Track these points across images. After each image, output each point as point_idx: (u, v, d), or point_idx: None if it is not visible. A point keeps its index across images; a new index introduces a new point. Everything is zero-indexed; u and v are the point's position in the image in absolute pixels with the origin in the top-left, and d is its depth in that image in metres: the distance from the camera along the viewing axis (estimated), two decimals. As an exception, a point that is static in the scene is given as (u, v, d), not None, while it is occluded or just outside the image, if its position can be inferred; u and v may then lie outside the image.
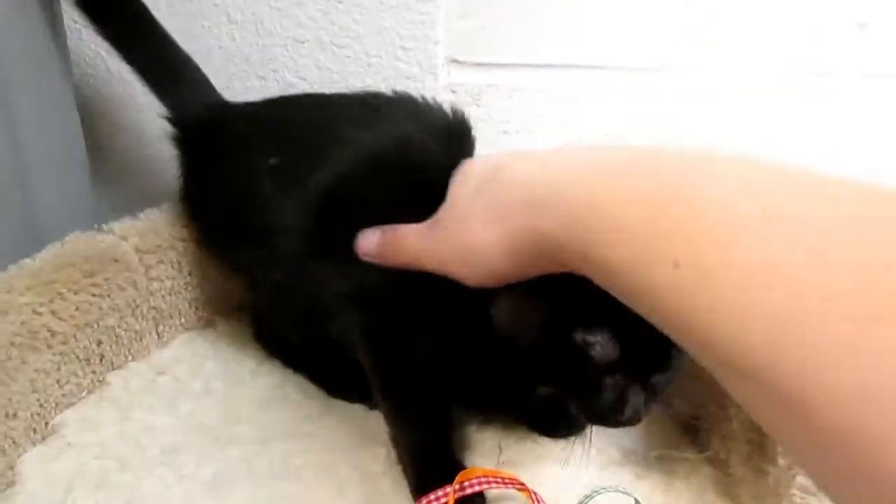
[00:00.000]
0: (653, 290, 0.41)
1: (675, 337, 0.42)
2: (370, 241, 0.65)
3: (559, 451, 0.75)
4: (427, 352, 0.69)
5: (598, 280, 0.47)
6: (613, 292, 0.46)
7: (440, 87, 0.93)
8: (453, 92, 0.94)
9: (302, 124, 0.79)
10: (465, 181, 0.59)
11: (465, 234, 0.55)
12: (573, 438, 0.76)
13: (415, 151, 0.73)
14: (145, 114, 1.00)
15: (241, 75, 0.95)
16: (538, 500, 0.60)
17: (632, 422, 0.62)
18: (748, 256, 0.37)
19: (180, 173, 0.87)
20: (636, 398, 0.61)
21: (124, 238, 0.84)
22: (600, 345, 0.59)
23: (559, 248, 0.48)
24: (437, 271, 0.59)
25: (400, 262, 0.63)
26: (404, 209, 0.66)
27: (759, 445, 0.64)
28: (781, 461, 0.58)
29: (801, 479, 0.54)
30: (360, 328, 0.72)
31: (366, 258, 0.66)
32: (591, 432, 0.72)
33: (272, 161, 0.77)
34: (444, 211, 0.59)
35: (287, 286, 0.77)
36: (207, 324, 0.94)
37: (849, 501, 0.34)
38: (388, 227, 0.65)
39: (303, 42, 0.93)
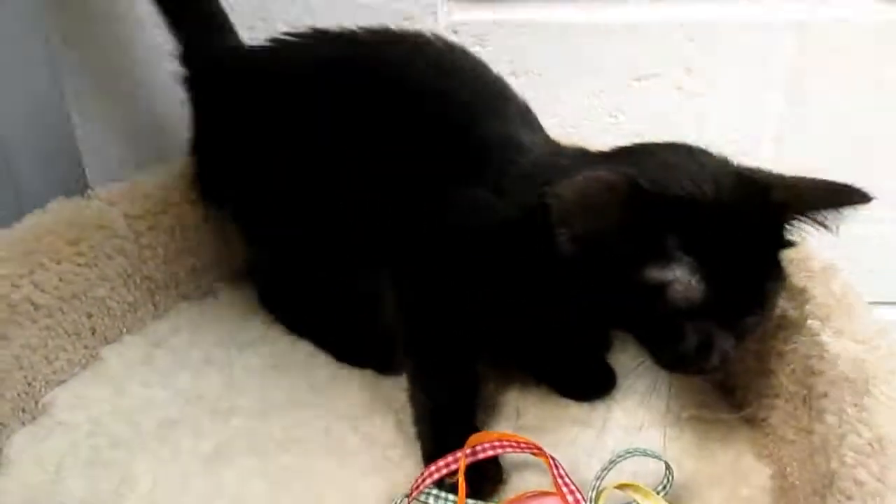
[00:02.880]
0: None
1: None
2: None
3: (583, 413, 0.70)
4: (482, 301, 0.62)
5: None
6: None
7: (441, 28, 0.86)
8: (455, 32, 0.87)
9: (316, 78, 0.72)
10: None
11: None
12: (598, 400, 0.71)
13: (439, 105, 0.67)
14: (133, 76, 0.95)
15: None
16: (556, 466, 0.55)
17: (719, 369, 0.54)
18: None
19: (192, 121, 0.80)
20: (724, 342, 0.53)
21: (112, 204, 0.79)
22: (680, 284, 0.50)
23: None
24: None
25: None
26: (448, 172, 0.63)
27: (804, 401, 0.58)
28: (830, 418, 0.52)
29: (854, 439, 0.48)
30: (399, 277, 0.66)
31: None
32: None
33: (288, 120, 0.71)
34: None
35: (308, 248, 0.73)
36: (207, 292, 0.89)
37: None
38: None
39: (293, -13, 0.87)
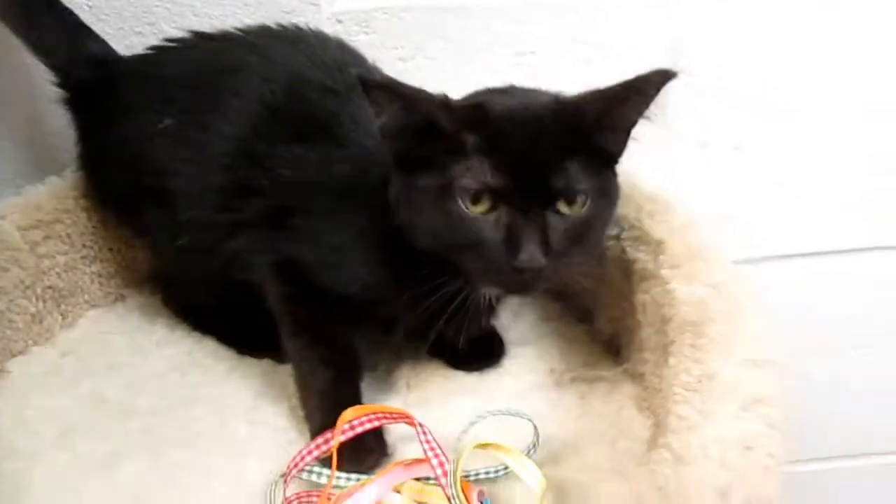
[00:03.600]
0: None
1: None
2: None
3: (472, 383, 0.71)
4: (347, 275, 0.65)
5: None
6: None
7: (325, 19, 0.87)
8: (340, 22, 0.88)
9: (191, 79, 0.74)
10: None
11: None
12: (488, 370, 0.72)
13: (311, 94, 0.70)
14: (29, 91, 0.95)
15: (118, 34, 0.89)
16: (424, 433, 0.56)
17: (532, 265, 0.52)
18: None
19: (76, 139, 0.82)
20: (530, 238, 0.53)
21: (2, 217, 0.79)
22: (473, 171, 0.54)
23: None
24: None
25: None
26: (315, 158, 0.66)
27: (664, 350, 0.59)
28: (672, 360, 0.53)
29: (684, 377, 0.50)
30: (269, 263, 0.68)
31: None
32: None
33: (165, 123, 0.72)
34: None
35: (193, 248, 0.73)
36: (116, 298, 0.90)
37: None
38: None
39: (175, -11, 0.87)
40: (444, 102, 0.56)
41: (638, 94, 0.55)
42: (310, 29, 0.76)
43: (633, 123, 0.58)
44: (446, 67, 0.90)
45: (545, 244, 0.53)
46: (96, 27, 0.88)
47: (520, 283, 0.56)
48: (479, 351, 0.73)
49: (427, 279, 0.58)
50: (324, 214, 0.64)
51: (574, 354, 0.72)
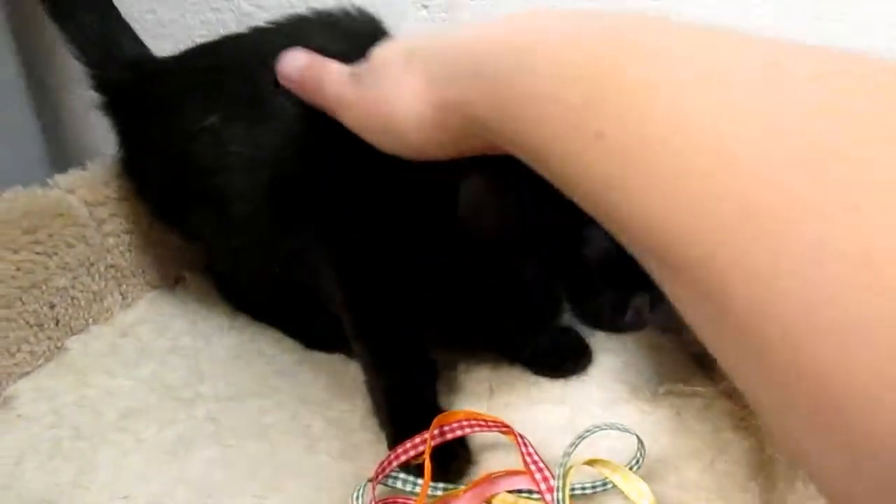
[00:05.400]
0: (578, 167, 0.34)
1: (606, 224, 0.35)
2: (294, 66, 0.57)
3: (558, 391, 0.68)
4: (416, 283, 0.61)
5: (530, 164, 0.40)
6: (548, 178, 0.38)
7: (409, 3, 0.83)
8: (425, 7, 0.83)
9: (235, 74, 0.68)
10: (394, 43, 0.51)
11: (391, 102, 0.47)
12: (573, 377, 0.69)
13: None
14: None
15: (193, 9, 0.86)
16: (525, 444, 0.53)
17: (635, 327, 0.54)
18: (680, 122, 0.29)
19: (117, 144, 0.77)
20: (640, 299, 0.52)
21: (70, 191, 0.76)
22: (595, 238, 0.51)
23: (485, 126, 0.41)
24: (354, 130, 0.52)
25: (317, 103, 0.55)
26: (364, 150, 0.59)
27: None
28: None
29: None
30: (331, 264, 0.64)
31: (284, 82, 0.57)
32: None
33: (209, 121, 0.67)
34: (368, 69, 0.50)
35: (247, 248, 0.69)
36: (177, 281, 0.87)
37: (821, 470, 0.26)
38: (315, 57, 0.56)
39: (255, -36, 0.85)
40: None
41: None
42: (343, 11, 0.69)
43: None
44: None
45: (652, 307, 0.52)
46: (176, 1, 0.86)
47: (613, 330, 0.57)
48: (563, 356, 0.70)
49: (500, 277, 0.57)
50: (391, 207, 0.60)
51: (663, 367, 0.69)
